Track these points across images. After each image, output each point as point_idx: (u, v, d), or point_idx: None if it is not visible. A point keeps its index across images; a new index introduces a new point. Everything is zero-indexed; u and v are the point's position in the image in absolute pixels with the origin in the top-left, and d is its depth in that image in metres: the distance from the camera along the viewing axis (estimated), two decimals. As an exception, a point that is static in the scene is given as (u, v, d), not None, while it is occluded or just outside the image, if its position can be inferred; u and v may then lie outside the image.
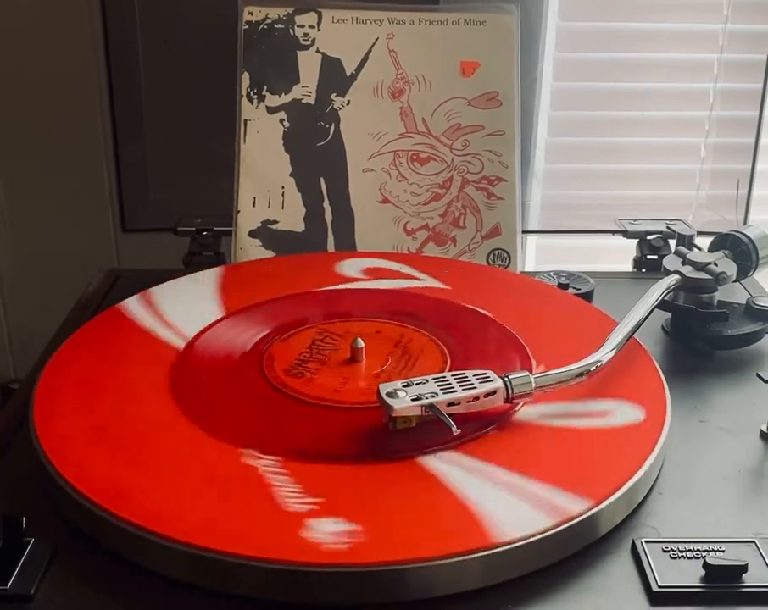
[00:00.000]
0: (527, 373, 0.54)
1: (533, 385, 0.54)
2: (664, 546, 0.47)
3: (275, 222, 0.82)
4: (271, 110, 0.82)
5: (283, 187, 0.82)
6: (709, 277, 0.69)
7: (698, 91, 0.96)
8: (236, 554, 0.44)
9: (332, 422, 0.54)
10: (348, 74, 0.83)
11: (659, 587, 0.45)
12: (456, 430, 0.50)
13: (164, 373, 0.59)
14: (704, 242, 0.77)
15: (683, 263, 0.70)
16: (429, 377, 0.54)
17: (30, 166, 1.00)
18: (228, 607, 0.44)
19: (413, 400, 0.51)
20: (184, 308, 0.68)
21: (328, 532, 0.45)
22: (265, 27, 0.82)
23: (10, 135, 0.98)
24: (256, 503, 0.48)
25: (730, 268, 0.70)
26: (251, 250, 0.81)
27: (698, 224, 0.91)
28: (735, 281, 0.72)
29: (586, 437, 0.54)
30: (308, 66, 0.82)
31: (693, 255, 0.71)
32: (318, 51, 0.83)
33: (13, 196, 1.01)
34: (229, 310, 0.68)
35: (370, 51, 0.83)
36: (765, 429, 0.58)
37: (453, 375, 0.54)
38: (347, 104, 0.83)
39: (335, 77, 0.83)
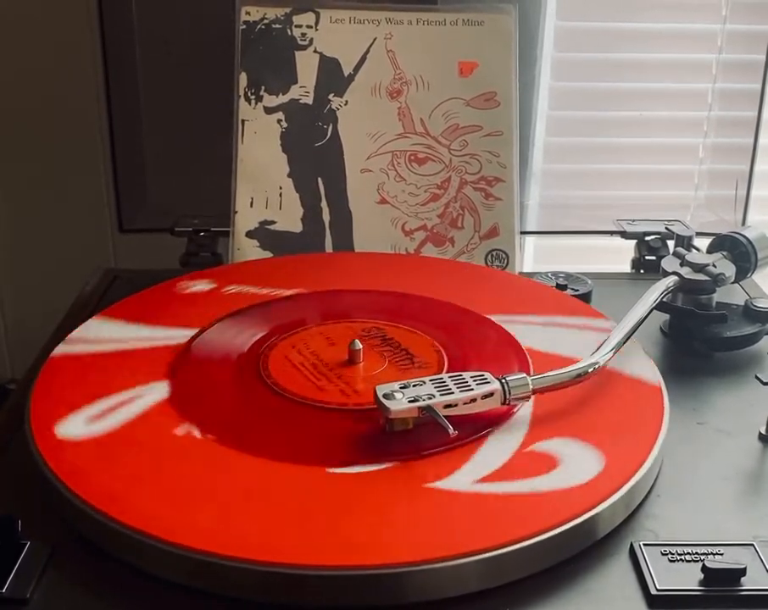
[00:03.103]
0: (525, 375, 0.54)
1: (531, 387, 0.54)
2: (662, 549, 0.47)
3: (273, 222, 0.81)
4: (269, 110, 0.82)
5: (281, 188, 0.82)
6: (708, 278, 0.69)
7: (696, 92, 0.96)
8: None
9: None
10: (346, 75, 0.82)
11: (658, 590, 0.45)
12: (452, 432, 0.50)
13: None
14: (702, 243, 0.77)
15: (682, 265, 0.70)
16: (426, 379, 0.53)
17: (28, 166, 1.00)
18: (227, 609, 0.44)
19: (410, 401, 0.51)
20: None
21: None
22: (263, 27, 0.82)
23: (8, 136, 0.98)
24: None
25: (729, 269, 0.70)
26: (248, 250, 0.81)
27: (696, 224, 0.91)
28: (734, 283, 0.72)
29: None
30: (306, 66, 0.82)
31: (692, 256, 0.71)
32: (316, 51, 0.82)
33: (10, 195, 1.01)
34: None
35: (368, 51, 0.82)
36: (763, 431, 0.58)
37: (450, 377, 0.54)
38: (345, 104, 0.82)
39: (333, 77, 0.82)
